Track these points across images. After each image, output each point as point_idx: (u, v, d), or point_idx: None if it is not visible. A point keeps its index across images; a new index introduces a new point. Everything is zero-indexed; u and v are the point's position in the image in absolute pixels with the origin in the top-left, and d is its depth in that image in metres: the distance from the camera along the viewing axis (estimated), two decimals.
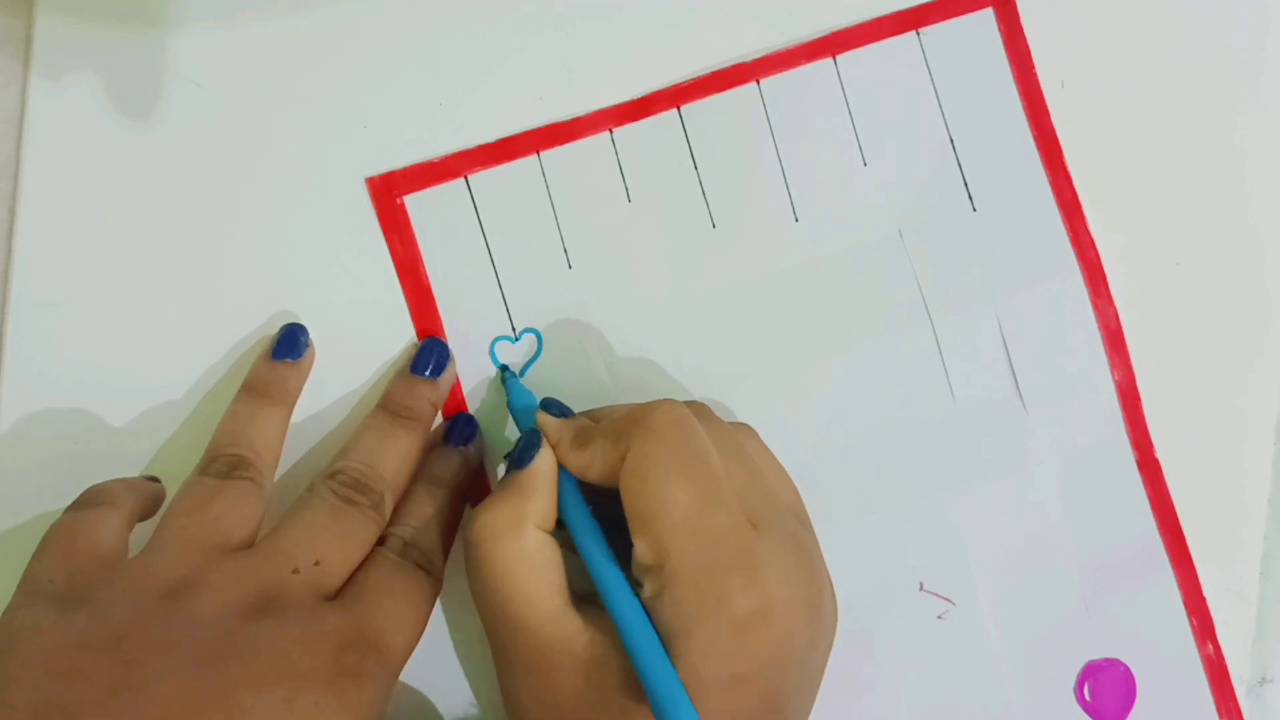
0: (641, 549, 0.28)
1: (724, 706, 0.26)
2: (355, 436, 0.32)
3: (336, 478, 0.31)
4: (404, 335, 0.35)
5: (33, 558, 0.29)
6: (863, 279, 0.35)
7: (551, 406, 0.32)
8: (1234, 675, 0.36)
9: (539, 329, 0.35)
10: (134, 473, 0.34)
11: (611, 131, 0.35)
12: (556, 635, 0.28)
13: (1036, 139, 0.36)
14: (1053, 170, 0.36)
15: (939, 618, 0.35)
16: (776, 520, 0.29)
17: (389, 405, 0.33)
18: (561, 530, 0.30)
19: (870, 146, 0.36)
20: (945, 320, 0.36)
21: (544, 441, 0.30)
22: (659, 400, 0.30)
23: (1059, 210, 0.36)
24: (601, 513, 0.30)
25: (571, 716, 0.28)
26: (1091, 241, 0.36)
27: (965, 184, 0.36)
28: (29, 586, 0.28)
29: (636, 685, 0.27)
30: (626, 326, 0.35)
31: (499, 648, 0.30)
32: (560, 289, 0.35)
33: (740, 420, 0.33)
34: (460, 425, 0.34)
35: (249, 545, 0.29)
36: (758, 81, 0.35)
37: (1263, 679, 0.37)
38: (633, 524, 0.28)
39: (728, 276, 0.35)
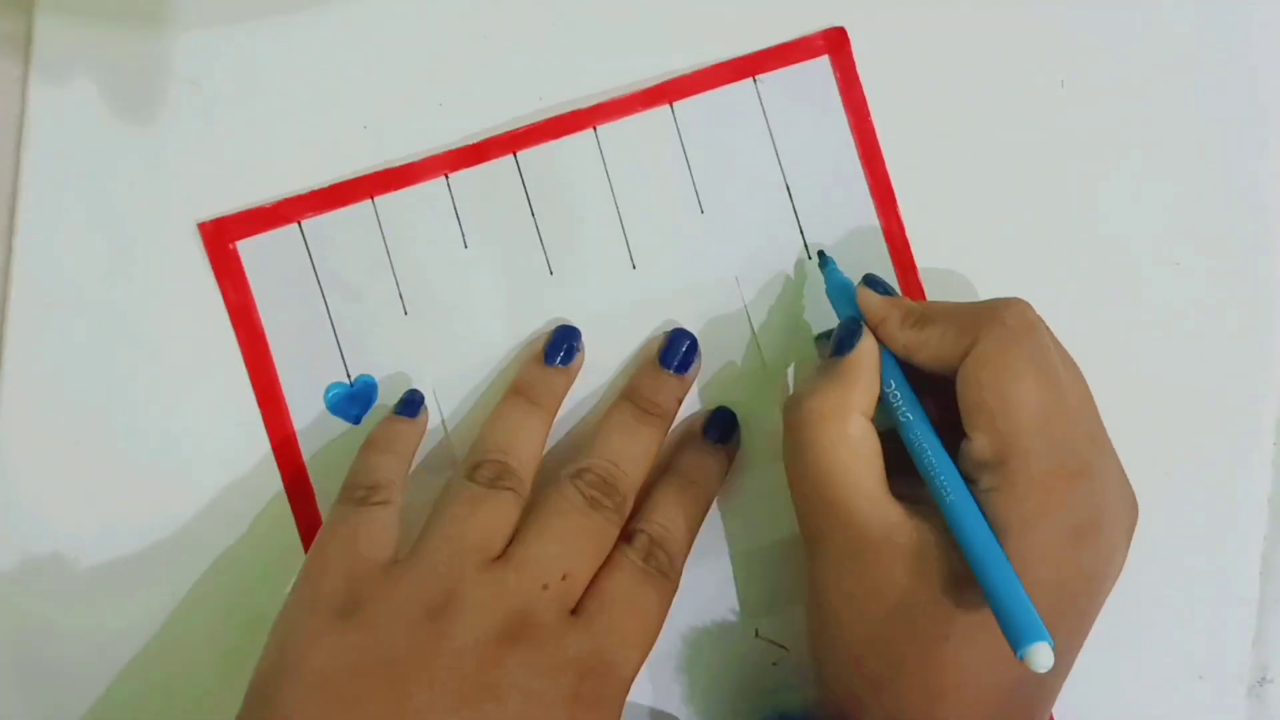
0: (981, 444, 0.27)
1: (1043, 614, 0.25)
2: (600, 431, 0.32)
3: (584, 476, 0.30)
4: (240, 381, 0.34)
5: (312, 557, 0.29)
6: (699, 324, 0.35)
7: (876, 284, 0.31)
8: (1234, 675, 0.35)
9: (375, 376, 0.35)
10: (135, 472, 0.34)
11: (448, 176, 0.35)
12: (879, 522, 0.28)
13: (871, 184, 0.35)
14: (885, 215, 0.35)
15: None
16: (1107, 441, 0.29)
17: (635, 398, 0.32)
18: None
19: (707, 193, 0.35)
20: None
21: (865, 330, 0.30)
22: (1013, 298, 0.29)
23: (889, 254, 0.35)
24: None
25: (884, 609, 0.27)
26: (919, 284, 0.35)
27: (801, 230, 0.35)
28: (310, 597, 0.28)
29: (961, 584, 0.26)
30: (463, 373, 0.35)
31: (814, 535, 0.29)
32: (396, 336, 0.35)
33: None
34: (719, 419, 0.33)
35: (502, 554, 0.29)
36: (594, 128, 0.35)
37: (1263, 679, 0.36)
38: (973, 418, 0.27)
39: (565, 322, 0.35)
